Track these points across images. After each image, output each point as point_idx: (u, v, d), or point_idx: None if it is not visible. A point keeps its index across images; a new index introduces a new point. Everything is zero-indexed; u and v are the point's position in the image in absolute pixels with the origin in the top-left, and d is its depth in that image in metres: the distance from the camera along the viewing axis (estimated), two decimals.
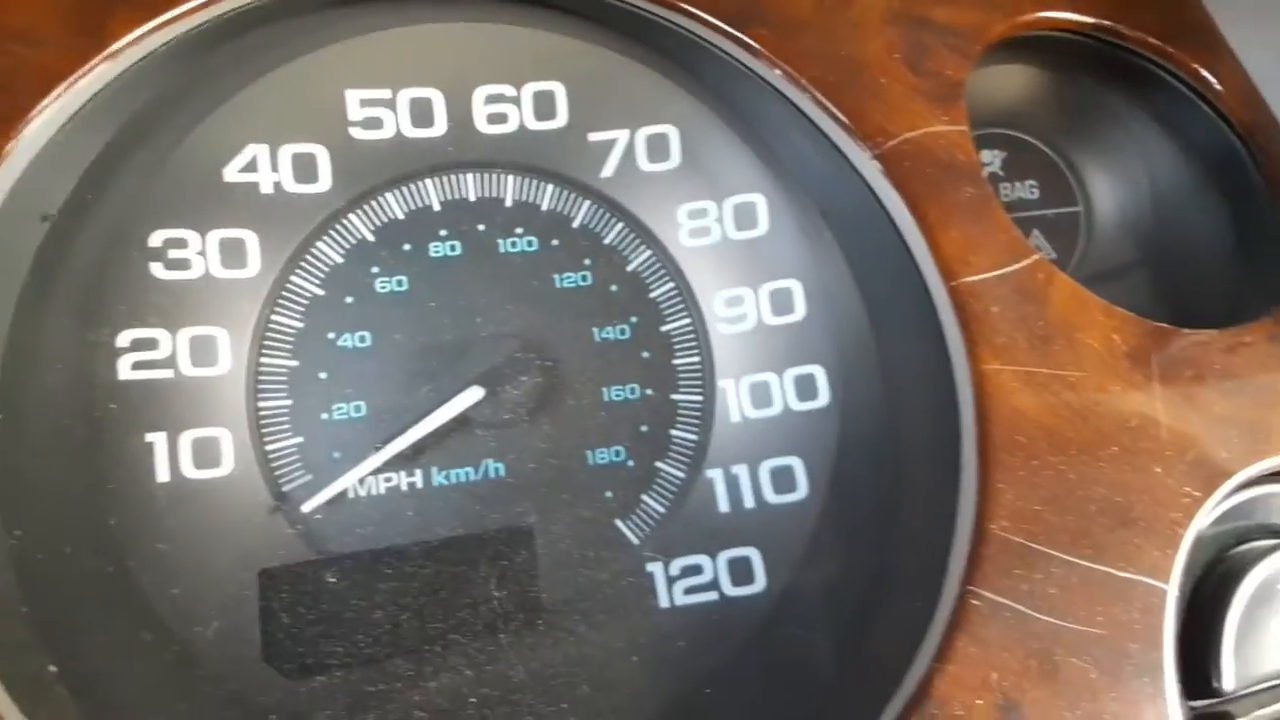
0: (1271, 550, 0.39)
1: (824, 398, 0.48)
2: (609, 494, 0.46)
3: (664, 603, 0.45)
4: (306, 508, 0.42)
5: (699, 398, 0.48)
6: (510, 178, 0.48)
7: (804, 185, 0.48)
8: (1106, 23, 0.49)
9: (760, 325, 0.48)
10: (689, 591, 0.45)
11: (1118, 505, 0.38)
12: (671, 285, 0.48)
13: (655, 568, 0.46)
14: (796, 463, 0.47)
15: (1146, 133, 0.54)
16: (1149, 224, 0.54)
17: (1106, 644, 0.36)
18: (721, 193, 0.49)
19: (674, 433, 0.47)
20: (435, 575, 0.41)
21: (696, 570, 0.46)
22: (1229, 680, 0.37)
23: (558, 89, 0.48)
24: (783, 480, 0.47)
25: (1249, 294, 0.46)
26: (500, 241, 0.47)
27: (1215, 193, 0.51)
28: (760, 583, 0.46)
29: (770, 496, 0.47)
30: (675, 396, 0.48)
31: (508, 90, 0.47)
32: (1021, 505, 0.37)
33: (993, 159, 0.55)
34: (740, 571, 0.46)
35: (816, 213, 0.48)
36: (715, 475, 0.47)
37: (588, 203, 0.48)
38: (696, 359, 0.48)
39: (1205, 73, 0.49)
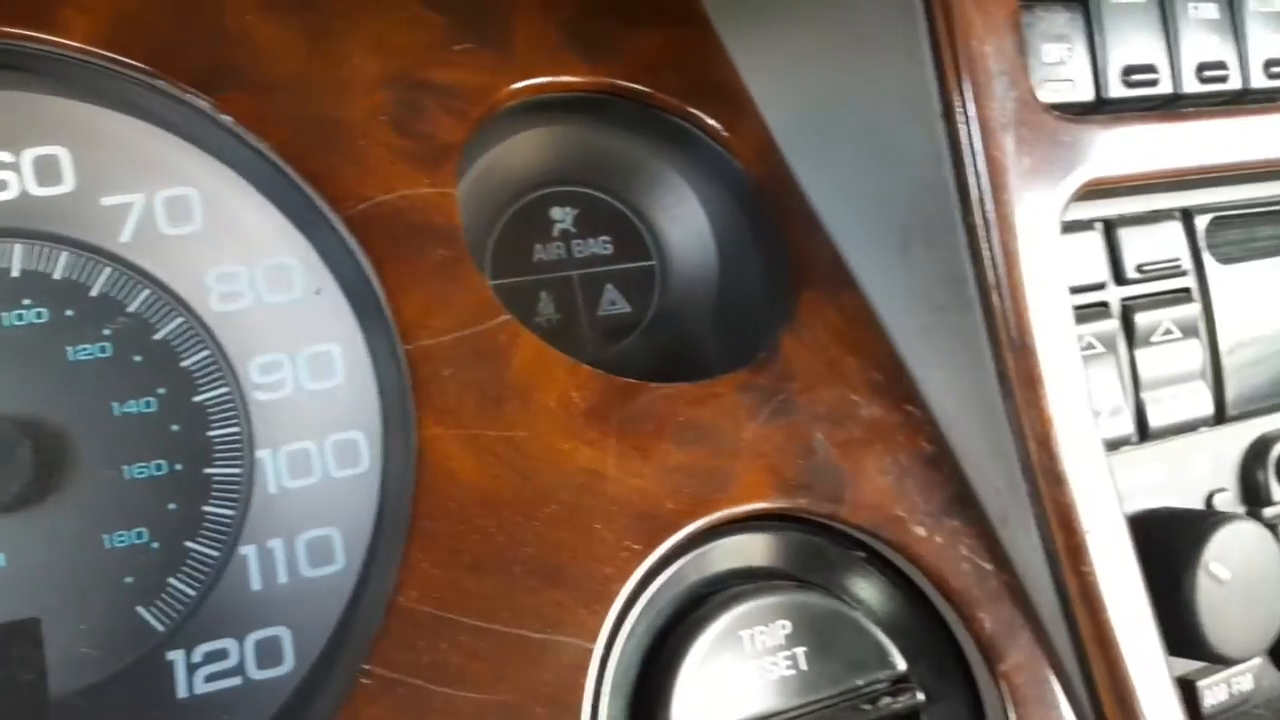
0: (735, 599, 0.39)
1: (364, 463, 0.46)
2: (129, 579, 0.43)
3: (182, 693, 0.43)
4: None
5: (235, 470, 0.45)
6: (16, 246, 0.45)
7: (332, 246, 0.46)
8: (628, 84, 0.50)
9: (299, 391, 0.47)
10: (211, 678, 0.43)
11: (548, 566, 0.38)
12: (205, 353, 0.46)
13: (176, 655, 0.43)
14: (334, 533, 0.46)
15: (702, 187, 0.55)
16: (714, 277, 0.55)
17: (510, 711, 0.35)
18: (252, 255, 0.47)
19: (207, 509, 0.45)
20: None
21: (222, 655, 0.44)
22: None
23: (61, 153, 0.45)
24: (319, 552, 0.45)
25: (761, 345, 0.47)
26: (3, 315, 0.44)
27: (757, 247, 0.53)
28: (288, 663, 0.44)
29: (305, 570, 0.45)
30: (209, 470, 0.45)
31: (4, 157, 0.45)
32: (438, 574, 0.37)
33: (564, 216, 0.55)
34: (268, 653, 0.44)
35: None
36: (249, 551, 0.45)
37: (108, 269, 0.45)
38: (233, 429, 0.46)
39: (723, 129, 0.51)
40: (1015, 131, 0.43)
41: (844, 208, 0.50)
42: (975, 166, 0.43)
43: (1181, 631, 0.44)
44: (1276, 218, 0.56)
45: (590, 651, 0.36)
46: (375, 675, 0.35)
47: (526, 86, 0.47)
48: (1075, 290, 0.49)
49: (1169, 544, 0.45)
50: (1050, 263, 0.43)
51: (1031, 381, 0.43)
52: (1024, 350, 0.43)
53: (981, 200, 0.43)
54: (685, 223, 0.57)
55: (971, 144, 0.43)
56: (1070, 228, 0.49)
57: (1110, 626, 0.41)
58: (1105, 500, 0.42)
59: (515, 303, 0.53)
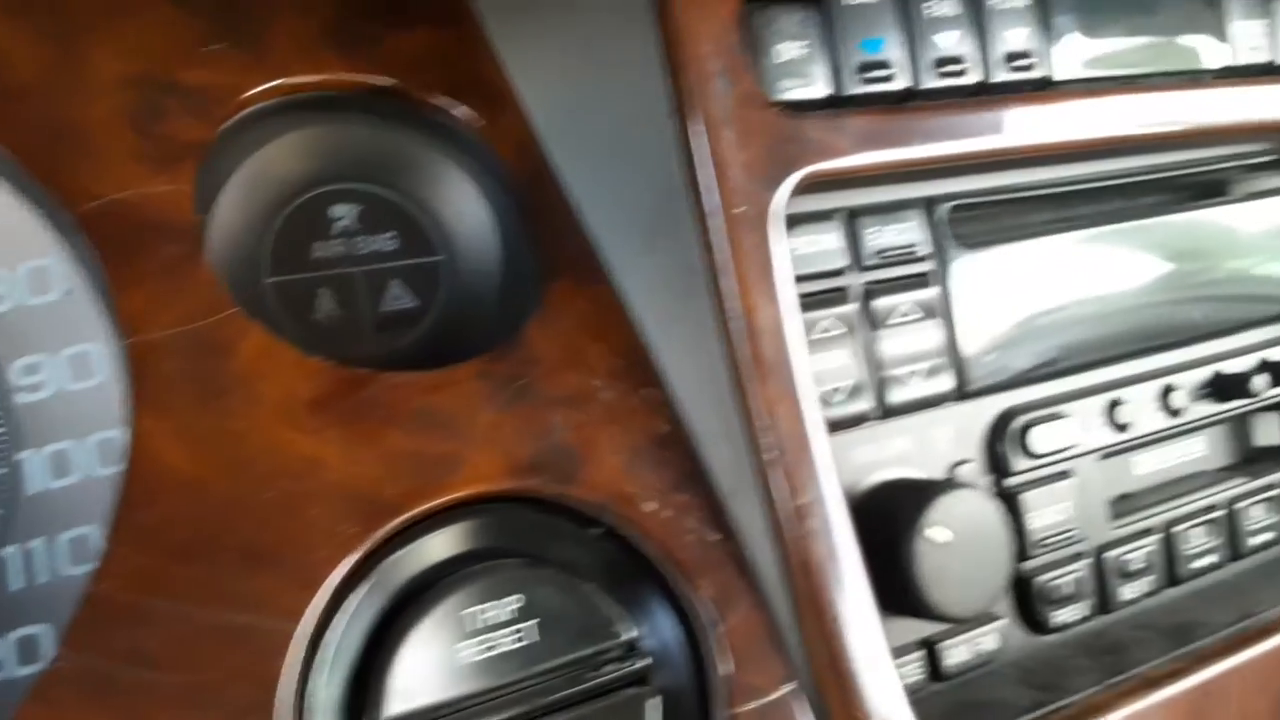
0: (464, 579, 0.41)
1: (126, 461, 0.47)
2: None
3: None
4: None
5: None
6: None
7: (78, 247, 0.47)
8: (377, 81, 0.51)
9: (61, 391, 0.47)
10: None
11: (259, 552, 0.39)
12: None
13: None
14: (96, 531, 0.46)
15: (481, 181, 0.57)
16: (498, 269, 0.57)
17: (206, 689, 0.37)
18: (13, 258, 0.47)
19: None
20: None
21: None
22: (393, 706, 0.39)
23: None
24: (81, 550, 0.46)
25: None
26: None
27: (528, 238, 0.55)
28: (48, 659, 0.45)
29: (67, 568, 0.46)
30: None
31: None
32: (141, 562, 0.38)
33: (346, 213, 0.55)
34: (28, 650, 0.45)
35: None
36: (11, 552, 0.46)
37: None
38: None
39: (481, 123, 0.52)
40: (735, 127, 0.46)
41: (597, 201, 0.52)
42: (700, 161, 0.46)
43: (906, 593, 0.47)
44: (1017, 205, 0.60)
45: (293, 632, 0.38)
46: (68, 659, 0.36)
47: (274, 87, 0.48)
48: (815, 276, 0.52)
49: (894, 512, 0.48)
50: (773, 252, 0.46)
51: (755, 365, 0.46)
52: (748, 335, 0.46)
53: (707, 193, 0.46)
54: (470, 217, 0.58)
55: (696, 140, 0.46)
56: (812, 217, 0.52)
57: (822, 590, 0.44)
58: (822, 473, 0.45)
59: (293, 300, 0.53)
